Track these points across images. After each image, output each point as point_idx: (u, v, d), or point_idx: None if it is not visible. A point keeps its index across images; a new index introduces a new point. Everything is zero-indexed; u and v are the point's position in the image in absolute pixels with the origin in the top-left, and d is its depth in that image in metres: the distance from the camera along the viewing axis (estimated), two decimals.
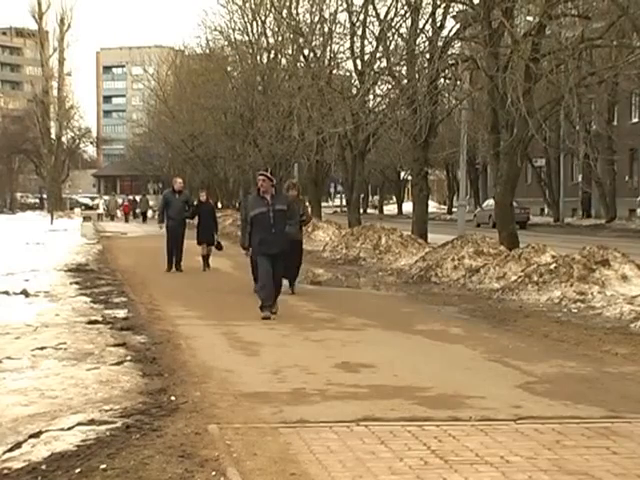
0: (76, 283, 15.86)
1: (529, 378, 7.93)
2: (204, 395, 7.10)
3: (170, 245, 19.41)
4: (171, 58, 65.74)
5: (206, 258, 19.77)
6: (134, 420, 6.23)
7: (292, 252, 13.46)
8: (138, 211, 59.51)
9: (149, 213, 57.24)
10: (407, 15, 24.19)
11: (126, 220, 58.10)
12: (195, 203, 20.59)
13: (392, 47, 25.76)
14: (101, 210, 59.63)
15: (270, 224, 11.86)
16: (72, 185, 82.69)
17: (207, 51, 50.36)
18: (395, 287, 16.39)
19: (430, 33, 23.56)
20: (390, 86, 26.45)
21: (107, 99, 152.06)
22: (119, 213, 62.66)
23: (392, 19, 25.41)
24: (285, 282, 13.86)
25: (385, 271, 19.01)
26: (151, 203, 60.46)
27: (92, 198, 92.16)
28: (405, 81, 23.92)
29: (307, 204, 16.90)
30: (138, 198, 62.84)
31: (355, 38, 29.52)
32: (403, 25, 24.99)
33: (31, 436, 5.81)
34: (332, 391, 7.33)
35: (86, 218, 54.96)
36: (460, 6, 23.15)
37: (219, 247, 19.86)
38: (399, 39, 25.47)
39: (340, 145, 30.42)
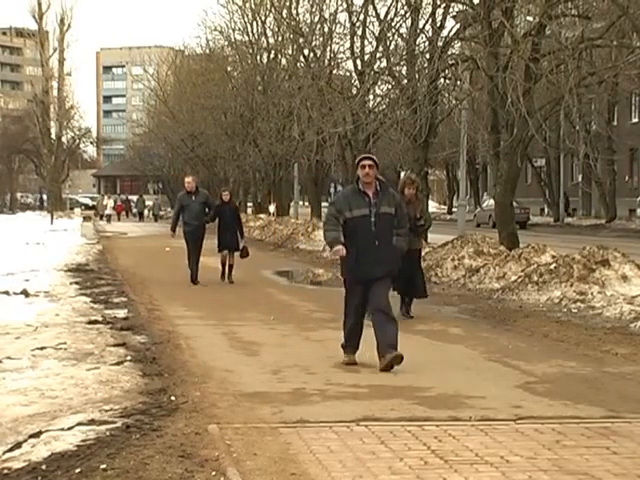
0: (76, 283, 15.86)
1: (529, 378, 7.93)
2: (204, 395, 7.10)
3: (190, 254, 16.92)
4: (171, 58, 65.79)
5: (229, 269, 17.15)
6: (134, 420, 6.23)
7: (409, 264, 11.13)
8: (135, 210, 61.96)
9: (145, 212, 61.82)
10: (407, 15, 24.19)
11: (118, 219, 60.82)
12: (217, 204, 17.42)
13: (392, 47, 25.76)
14: (109, 210, 59.34)
15: (372, 233, 8.33)
16: (72, 185, 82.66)
17: (207, 51, 50.41)
18: None
19: (430, 33, 23.56)
20: (390, 86, 26.45)
21: (107, 99, 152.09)
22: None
23: (392, 19, 25.42)
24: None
25: None
26: (147, 203, 64.57)
27: (92, 198, 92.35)
28: (405, 81, 23.92)
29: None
30: (135, 198, 64.79)
31: (355, 38, 29.51)
32: (403, 25, 25.01)
33: (31, 436, 5.81)
34: (332, 391, 7.33)
35: (86, 218, 55.13)
36: (460, 6, 23.15)
37: (244, 254, 17.27)
38: (399, 39, 25.48)
39: (340, 145, 30.41)
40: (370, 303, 8.39)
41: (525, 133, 18.89)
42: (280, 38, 39.09)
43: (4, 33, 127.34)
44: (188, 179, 17.45)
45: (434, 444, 5.73)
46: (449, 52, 23.14)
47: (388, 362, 7.99)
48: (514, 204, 22.02)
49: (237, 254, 17.24)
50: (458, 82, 24.48)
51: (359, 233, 8.34)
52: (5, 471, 5.20)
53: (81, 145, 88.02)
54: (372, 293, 8.32)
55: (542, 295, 13.37)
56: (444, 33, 23.22)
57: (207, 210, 17.00)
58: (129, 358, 8.52)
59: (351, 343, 8.55)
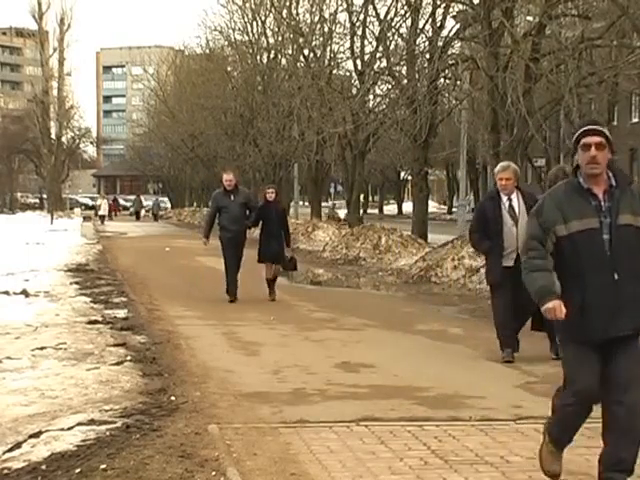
0: (76, 283, 15.85)
1: (529, 378, 7.93)
2: (204, 395, 7.10)
3: (229, 265, 14.06)
4: (171, 58, 65.84)
5: (272, 282, 14.43)
6: (134, 420, 6.23)
7: None
8: (132, 210, 63.66)
9: (142, 212, 63.87)
10: (407, 15, 24.23)
11: (110, 218, 62.20)
12: (260, 205, 14.59)
13: (392, 47, 25.81)
14: (102, 211, 59.56)
15: (607, 260, 4.68)
16: (72, 185, 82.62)
17: (207, 51, 50.42)
18: (395, 287, 16.39)
19: (430, 33, 23.60)
20: (390, 86, 26.49)
21: (107, 99, 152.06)
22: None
23: (392, 19, 25.46)
24: None
25: (385, 271, 19.01)
26: (144, 203, 67.17)
27: (92, 198, 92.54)
28: (405, 81, 23.95)
29: None
30: (132, 198, 67.21)
31: (355, 38, 29.56)
32: (403, 25, 25.08)
33: (31, 436, 5.81)
34: (332, 391, 7.33)
35: (86, 218, 55.12)
36: (460, 6, 23.16)
37: (289, 266, 14.64)
38: (399, 39, 25.54)
39: (340, 145, 30.43)
40: (609, 386, 4.73)
41: (525, 133, 18.89)
42: (280, 38, 39.08)
43: (4, 33, 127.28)
44: (228, 176, 14.15)
45: (434, 444, 5.73)
46: (449, 52, 23.18)
47: None
48: None
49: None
50: (458, 82, 24.50)
51: (584, 261, 4.70)
52: (5, 471, 5.20)
53: (81, 145, 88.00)
54: (613, 368, 4.71)
55: None
56: (444, 33, 23.29)
57: (248, 212, 14.15)
58: (129, 358, 8.52)
59: (561, 444, 5.04)
